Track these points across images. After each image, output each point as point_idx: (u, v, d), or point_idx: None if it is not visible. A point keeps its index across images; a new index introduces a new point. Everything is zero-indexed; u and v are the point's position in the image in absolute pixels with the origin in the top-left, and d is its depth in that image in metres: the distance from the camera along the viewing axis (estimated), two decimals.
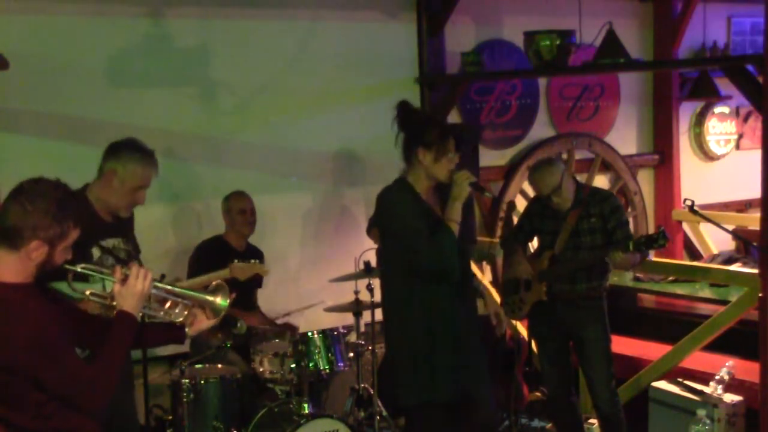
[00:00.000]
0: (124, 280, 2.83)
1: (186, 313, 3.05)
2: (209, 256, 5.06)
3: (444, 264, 3.84)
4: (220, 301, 3.03)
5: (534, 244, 4.95)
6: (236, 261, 4.45)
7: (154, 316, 3.06)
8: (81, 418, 2.75)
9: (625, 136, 7.48)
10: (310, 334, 4.72)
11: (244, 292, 5.19)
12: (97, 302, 2.98)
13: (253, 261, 4.58)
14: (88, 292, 2.96)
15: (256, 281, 5.38)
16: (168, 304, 3.05)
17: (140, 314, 2.89)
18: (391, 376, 4.08)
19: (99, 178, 3.83)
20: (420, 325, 3.91)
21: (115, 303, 2.84)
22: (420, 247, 3.81)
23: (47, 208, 2.64)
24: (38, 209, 2.63)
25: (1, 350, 2.58)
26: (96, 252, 3.73)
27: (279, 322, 5.39)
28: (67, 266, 2.83)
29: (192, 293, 3.08)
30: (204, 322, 3.06)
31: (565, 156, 6.98)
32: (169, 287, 3.05)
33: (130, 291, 2.82)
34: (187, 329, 3.07)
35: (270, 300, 5.54)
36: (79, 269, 2.87)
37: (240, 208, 5.25)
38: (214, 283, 3.07)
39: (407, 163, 3.97)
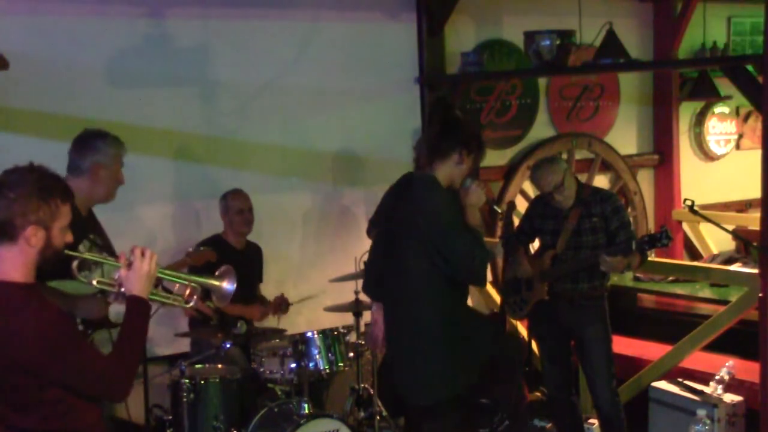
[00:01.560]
0: (130, 264, 2.83)
1: (195, 297, 3.06)
2: None
3: (485, 267, 4.00)
4: (227, 285, 3.07)
5: (535, 245, 4.95)
6: (190, 249, 4.81)
7: (164, 303, 3.07)
8: (88, 421, 2.74)
9: (625, 136, 7.47)
10: (310, 334, 4.72)
11: (246, 286, 5.20)
12: (106, 289, 2.97)
13: (203, 248, 4.85)
14: (95, 281, 2.96)
15: (257, 274, 5.44)
16: (176, 289, 3.07)
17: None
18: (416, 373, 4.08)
19: (79, 176, 3.83)
20: (464, 323, 4.02)
21: (123, 289, 2.84)
22: (480, 254, 3.88)
23: (30, 191, 2.64)
24: (21, 195, 2.63)
25: (10, 350, 2.58)
26: (83, 247, 3.74)
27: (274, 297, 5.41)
28: (71, 252, 2.81)
29: (200, 278, 3.11)
30: None
31: (565, 156, 6.97)
32: (176, 272, 3.09)
33: (136, 274, 2.81)
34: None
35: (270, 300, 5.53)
36: (85, 255, 2.87)
37: (238, 208, 5.25)
38: (220, 270, 3.12)
39: (439, 158, 3.96)
